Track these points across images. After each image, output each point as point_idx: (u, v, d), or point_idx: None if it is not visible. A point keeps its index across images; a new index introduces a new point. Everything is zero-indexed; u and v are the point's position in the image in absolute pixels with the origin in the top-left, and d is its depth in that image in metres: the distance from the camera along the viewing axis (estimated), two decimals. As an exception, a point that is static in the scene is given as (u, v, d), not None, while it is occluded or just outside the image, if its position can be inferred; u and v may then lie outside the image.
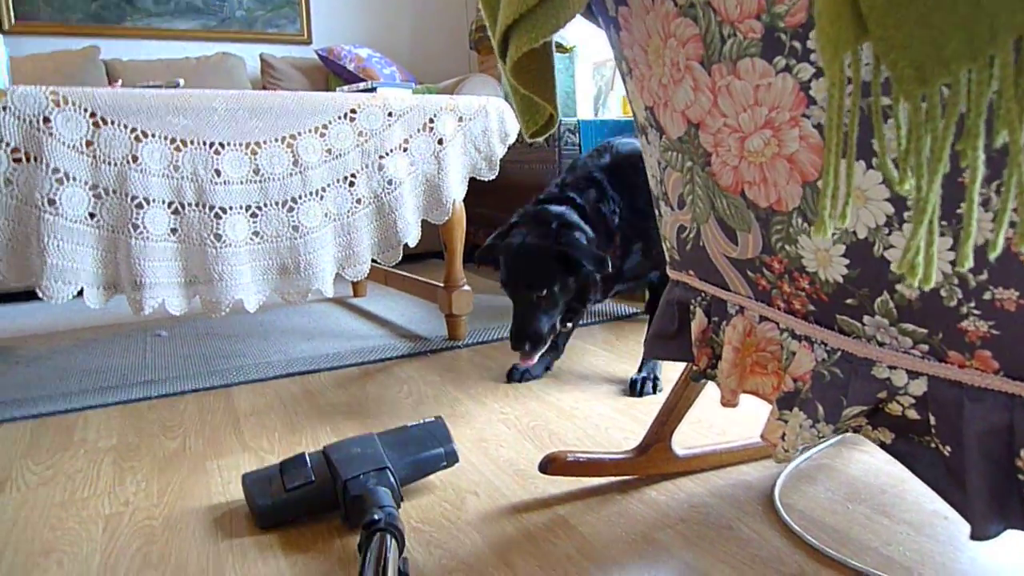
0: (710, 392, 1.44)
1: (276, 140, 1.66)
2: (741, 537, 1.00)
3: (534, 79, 0.82)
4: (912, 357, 0.66)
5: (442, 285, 2.03)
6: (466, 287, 2.01)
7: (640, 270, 1.67)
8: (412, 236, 1.86)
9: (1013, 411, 0.59)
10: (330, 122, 1.72)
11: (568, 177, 1.66)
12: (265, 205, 1.66)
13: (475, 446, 1.33)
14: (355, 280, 2.74)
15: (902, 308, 0.65)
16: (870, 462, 1.21)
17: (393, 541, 0.90)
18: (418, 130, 1.84)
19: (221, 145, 1.60)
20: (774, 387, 0.84)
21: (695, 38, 0.72)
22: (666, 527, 1.03)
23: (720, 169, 0.78)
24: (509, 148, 2.15)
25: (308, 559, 0.98)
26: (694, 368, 0.97)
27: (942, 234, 0.58)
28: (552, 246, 1.49)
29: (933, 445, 0.67)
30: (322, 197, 1.73)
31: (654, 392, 1.57)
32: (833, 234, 0.68)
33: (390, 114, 1.79)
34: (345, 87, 2.10)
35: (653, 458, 1.17)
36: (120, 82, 2.10)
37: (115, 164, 1.50)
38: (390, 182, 1.80)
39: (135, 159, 1.51)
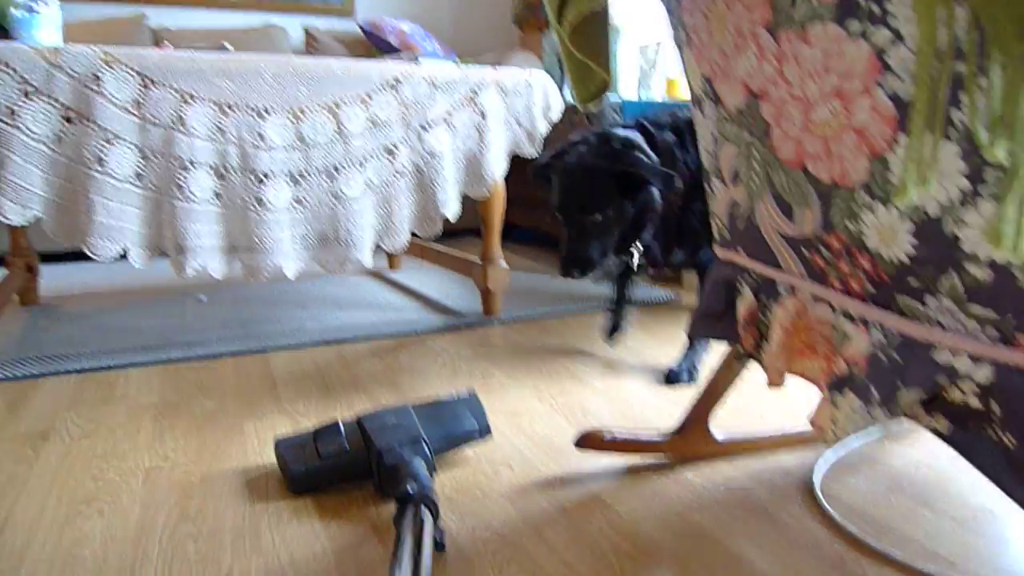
0: (748, 376, 1.41)
1: (320, 107, 1.65)
2: (780, 523, 0.98)
3: (590, 44, 0.80)
4: (978, 341, 0.63)
5: (479, 260, 2.02)
6: (503, 264, 2.00)
7: (697, 240, 1.56)
8: (452, 209, 1.85)
9: (1087, 402, 0.56)
10: (374, 91, 1.71)
11: (645, 118, 1.54)
12: (307, 172, 1.66)
13: (508, 420, 1.33)
14: (392, 252, 2.74)
15: (971, 289, 0.62)
16: (912, 455, 1.17)
17: (428, 512, 0.90)
18: (461, 103, 1.82)
19: (266, 110, 1.60)
20: (824, 370, 0.81)
21: (763, 2, 0.69)
22: (702, 508, 1.02)
23: (780, 142, 0.75)
24: (552, 128, 2.11)
25: (342, 523, 0.98)
26: (740, 349, 0.95)
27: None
28: (612, 166, 1.38)
29: (995, 436, 0.64)
30: (364, 166, 1.72)
31: (690, 382, 1.54)
32: (901, 211, 0.65)
33: (434, 85, 1.77)
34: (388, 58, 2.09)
35: (690, 440, 1.16)
36: (169, 45, 2.11)
37: (162, 126, 1.52)
38: (432, 154, 1.79)
39: (182, 122, 1.52)
